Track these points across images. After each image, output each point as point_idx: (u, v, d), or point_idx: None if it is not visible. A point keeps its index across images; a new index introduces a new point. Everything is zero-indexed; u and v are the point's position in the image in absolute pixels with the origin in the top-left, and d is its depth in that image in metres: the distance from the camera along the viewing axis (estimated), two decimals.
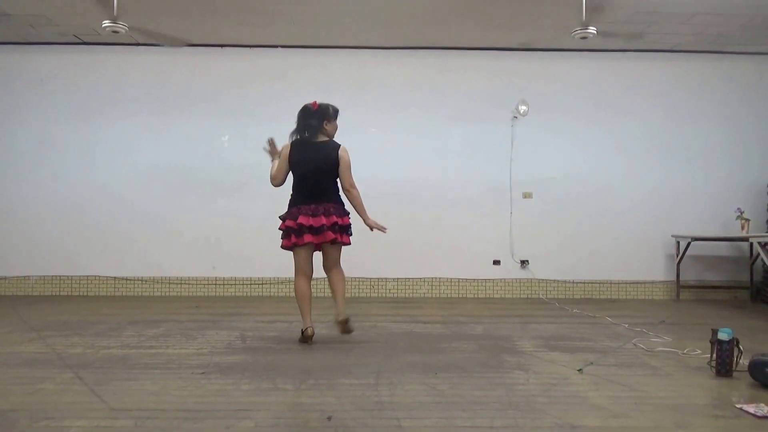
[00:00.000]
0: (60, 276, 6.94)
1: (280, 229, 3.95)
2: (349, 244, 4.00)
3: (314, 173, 3.93)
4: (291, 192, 4.01)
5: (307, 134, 3.95)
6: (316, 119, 3.96)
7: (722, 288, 6.99)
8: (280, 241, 3.96)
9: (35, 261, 6.93)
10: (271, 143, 4.08)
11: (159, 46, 6.95)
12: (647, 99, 7.12)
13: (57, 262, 6.93)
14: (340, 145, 3.99)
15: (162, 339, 4.09)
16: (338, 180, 4.00)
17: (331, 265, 4.03)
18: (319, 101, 4.03)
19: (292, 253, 3.97)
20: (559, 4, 5.70)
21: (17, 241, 6.95)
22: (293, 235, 3.85)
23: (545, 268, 7.03)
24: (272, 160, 4.08)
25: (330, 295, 4.09)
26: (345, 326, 3.89)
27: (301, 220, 3.82)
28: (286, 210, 3.97)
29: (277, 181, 4.04)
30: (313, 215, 3.84)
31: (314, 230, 3.83)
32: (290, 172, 4.01)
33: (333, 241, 3.90)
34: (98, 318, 5.09)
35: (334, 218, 3.87)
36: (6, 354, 3.56)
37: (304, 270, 3.96)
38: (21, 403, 2.55)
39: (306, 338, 3.92)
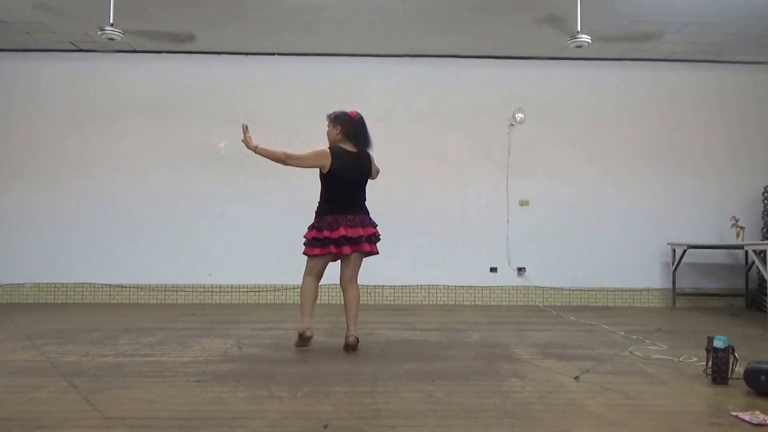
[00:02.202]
0: (54, 283, 6.91)
1: (314, 237, 3.86)
2: (378, 253, 4.04)
3: (354, 184, 3.96)
4: (323, 202, 3.96)
5: (359, 145, 3.98)
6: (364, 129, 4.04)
7: (718, 296, 7.00)
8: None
9: (29, 268, 6.89)
10: (245, 128, 3.87)
11: (155, 53, 6.96)
12: (643, 107, 7.15)
13: (51, 270, 6.89)
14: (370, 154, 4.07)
15: (157, 347, 4.07)
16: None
17: (350, 278, 3.99)
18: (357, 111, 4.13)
19: (307, 257, 3.94)
20: (554, 12, 5.73)
21: (11, 249, 6.91)
22: (332, 245, 3.82)
23: (542, 275, 7.03)
24: (250, 146, 3.81)
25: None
26: (354, 346, 3.92)
27: (342, 231, 3.81)
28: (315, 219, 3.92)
29: (296, 165, 3.88)
30: (351, 225, 3.86)
31: (352, 241, 3.85)
32: (325, 180, 3.95)
33: (368, 253, 3.94)
34: (93, 326, 5.07)
35: (371, 229, 3.94)
36: None
37: (319, 275, 3.99)
38: (14, 412, 2.54)
39: (305, 341, 3.91)
